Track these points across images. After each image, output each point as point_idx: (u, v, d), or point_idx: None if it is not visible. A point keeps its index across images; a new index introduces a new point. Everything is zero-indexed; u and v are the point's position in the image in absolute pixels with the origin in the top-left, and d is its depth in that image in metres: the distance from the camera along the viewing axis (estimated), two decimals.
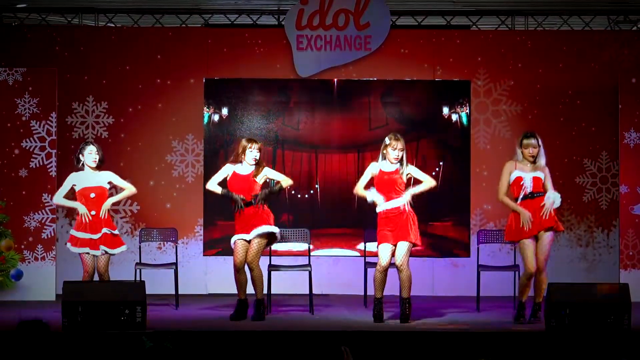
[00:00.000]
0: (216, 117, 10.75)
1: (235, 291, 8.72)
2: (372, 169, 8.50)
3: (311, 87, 10.77)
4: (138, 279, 9.31)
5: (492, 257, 10.24)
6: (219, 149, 10.72)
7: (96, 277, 8.55)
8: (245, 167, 8.68)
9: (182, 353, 7.08)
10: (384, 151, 8.45)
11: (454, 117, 10.74)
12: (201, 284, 10.67)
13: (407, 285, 8.36)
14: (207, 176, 10.61)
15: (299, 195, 10.79)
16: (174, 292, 9.49)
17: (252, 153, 8.62)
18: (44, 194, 10.19)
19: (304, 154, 10.79)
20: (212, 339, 7.43)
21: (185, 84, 10.76)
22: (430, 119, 10.77)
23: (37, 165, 10.23)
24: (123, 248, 8.67)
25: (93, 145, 8.68)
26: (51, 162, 10.23)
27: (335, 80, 10.73)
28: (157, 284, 9.76)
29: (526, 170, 8.41)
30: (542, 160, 8.44)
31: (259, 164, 8.68)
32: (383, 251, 8.36)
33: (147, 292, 7.81)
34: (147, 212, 10.67)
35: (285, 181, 8.80)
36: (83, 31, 10.84)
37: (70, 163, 10.29)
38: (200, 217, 10.71)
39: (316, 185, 10.80)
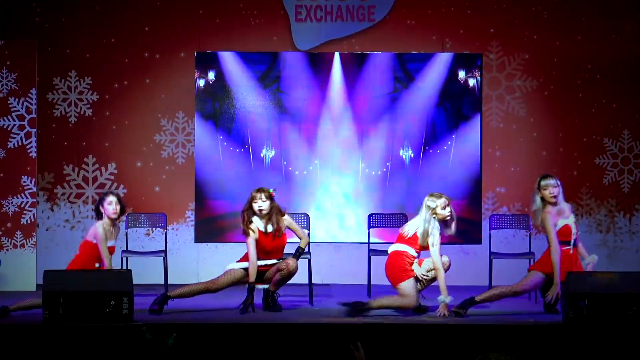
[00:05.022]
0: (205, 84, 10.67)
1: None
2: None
3: (310, 54, 10.71)
4: (124, 267, 9.30)
5: (506, 244, 10.24)
6: (209, 118, 10.69)
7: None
8: (265, 222, 8.56)
9: (172, 347, 7.06)
10: (434, 214, 8.22)
11: (471, 82, 10.65)
12: (192, 272, 10.63)
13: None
14: (199, 157, 10.75)
15: (296, 172, 10.72)
16: (163, 282, 9.47)
17: (256, 204, 8.52)
18: (23, 177, 10.16)
19: (303, 126, 10.69)
20: (203, 332, 7.42)
21: (175, 58, 10.73)
22: (444, 85, 10.64)
23: (16, 146, 10.18)
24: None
25: (113, 195, 8.46)
26: (31, 142, 10.19)
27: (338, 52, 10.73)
28: (145, 273, 9.74)
29: (565, 217, 8.30)
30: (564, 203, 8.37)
31: (276, 213, 8.56)
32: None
33: (134, 282, 7.78)
34: (134, 196, 10.63)
35: (304, 239, 8.77)
36: (65, 1, 10.79)
37: (51, 142, 10.39)
38: (192, 201, 10.70)
39: (316, 161, 10.73)
